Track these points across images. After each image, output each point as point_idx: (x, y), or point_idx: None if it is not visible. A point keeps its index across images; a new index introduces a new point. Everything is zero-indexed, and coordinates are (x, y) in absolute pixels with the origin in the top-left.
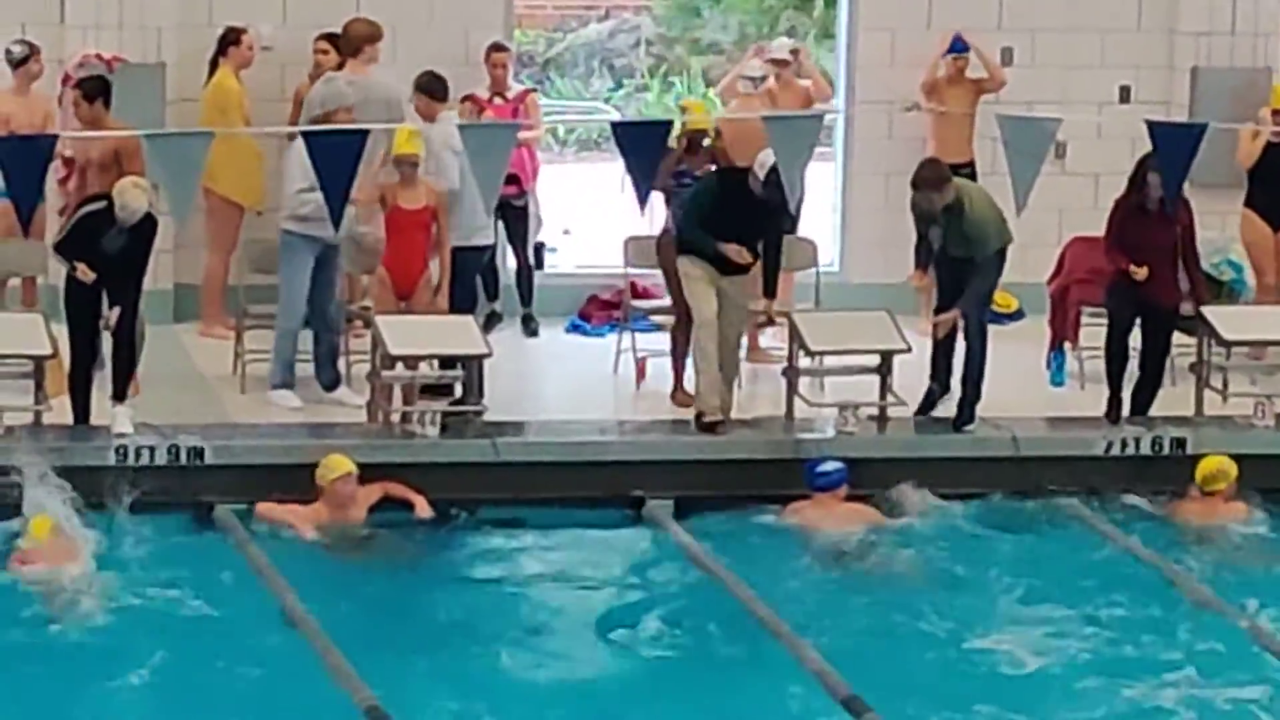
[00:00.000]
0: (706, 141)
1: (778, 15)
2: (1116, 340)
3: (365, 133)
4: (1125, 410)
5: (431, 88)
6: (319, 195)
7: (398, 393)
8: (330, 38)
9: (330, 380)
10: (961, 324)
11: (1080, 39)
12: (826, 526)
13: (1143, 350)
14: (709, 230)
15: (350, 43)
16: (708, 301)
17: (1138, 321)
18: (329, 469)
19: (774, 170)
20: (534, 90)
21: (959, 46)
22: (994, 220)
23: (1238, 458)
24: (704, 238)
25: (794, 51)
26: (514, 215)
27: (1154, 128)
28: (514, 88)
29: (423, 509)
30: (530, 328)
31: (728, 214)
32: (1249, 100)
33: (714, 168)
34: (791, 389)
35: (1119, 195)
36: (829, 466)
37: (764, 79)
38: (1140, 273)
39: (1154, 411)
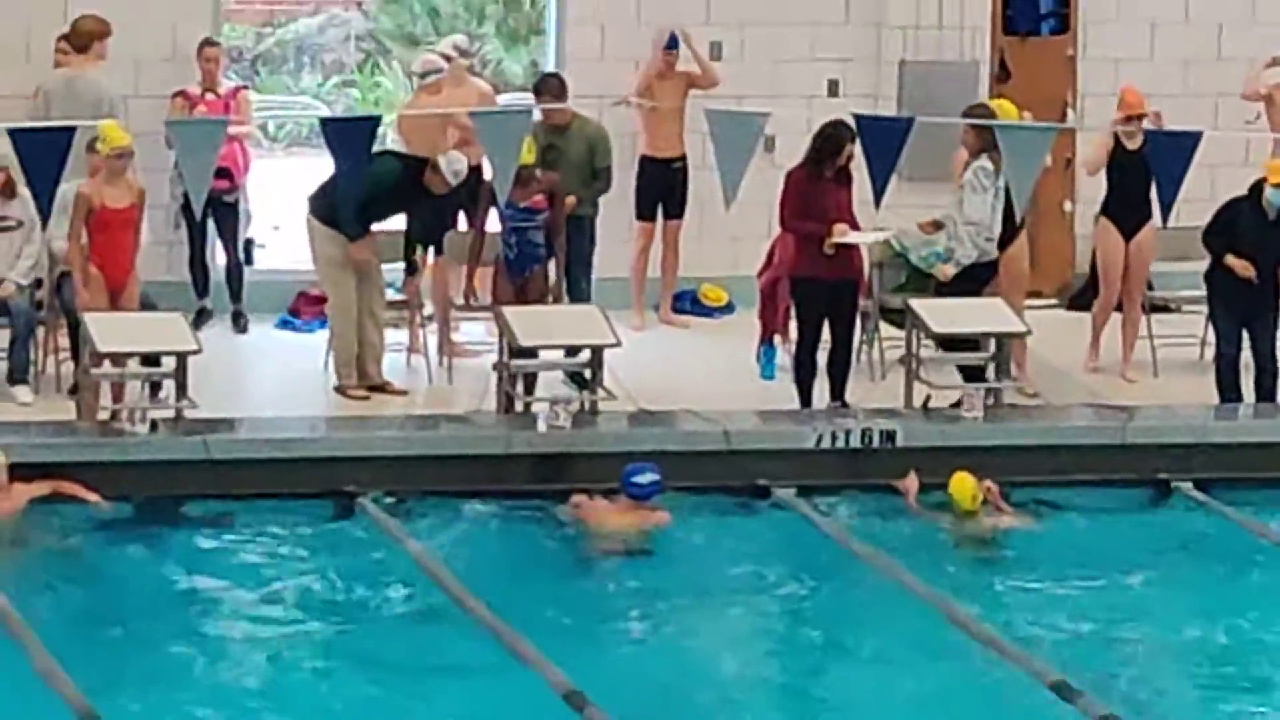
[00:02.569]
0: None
1: (484, 10)
2: (807, 351)
3: (72, 129)
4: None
5: None
6: None
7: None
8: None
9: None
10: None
11: (789, 33)
12: (607, 525)
13: (832, 333)
14: (372, 217)
15: (79, 39)
16: (345, 285)
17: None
18: None
19: (474, 173)
20: (245, 87)
21: (674, 43)
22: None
23: (947, 451)
24: (362, 225)
25: (462, 50)
26: (224, 211)
27: (862, 121)
28: (225, 84)
29: (98, 503)
30: (240, 324)
31: (395, 204)
32: (956, 94)
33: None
34: (502, 384)
35: (793, 167)
36: (645, 479)
37: (439, 71)
38: (830, 244)
39: (867, 404)
